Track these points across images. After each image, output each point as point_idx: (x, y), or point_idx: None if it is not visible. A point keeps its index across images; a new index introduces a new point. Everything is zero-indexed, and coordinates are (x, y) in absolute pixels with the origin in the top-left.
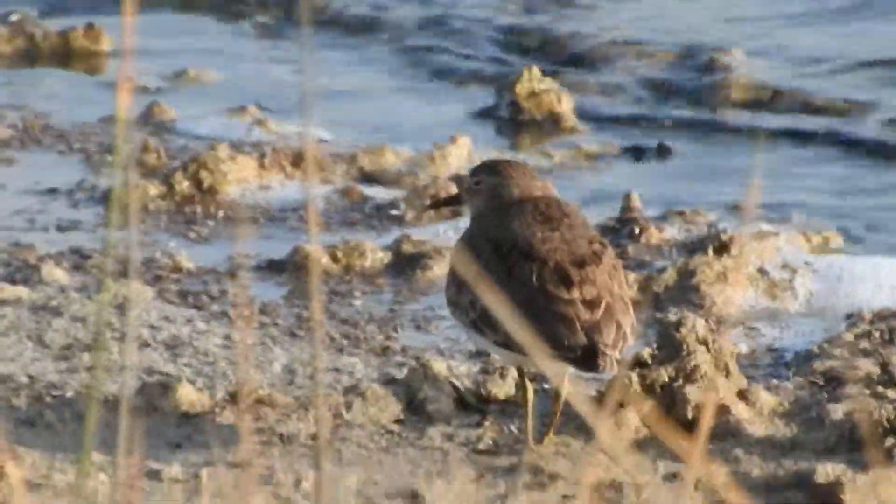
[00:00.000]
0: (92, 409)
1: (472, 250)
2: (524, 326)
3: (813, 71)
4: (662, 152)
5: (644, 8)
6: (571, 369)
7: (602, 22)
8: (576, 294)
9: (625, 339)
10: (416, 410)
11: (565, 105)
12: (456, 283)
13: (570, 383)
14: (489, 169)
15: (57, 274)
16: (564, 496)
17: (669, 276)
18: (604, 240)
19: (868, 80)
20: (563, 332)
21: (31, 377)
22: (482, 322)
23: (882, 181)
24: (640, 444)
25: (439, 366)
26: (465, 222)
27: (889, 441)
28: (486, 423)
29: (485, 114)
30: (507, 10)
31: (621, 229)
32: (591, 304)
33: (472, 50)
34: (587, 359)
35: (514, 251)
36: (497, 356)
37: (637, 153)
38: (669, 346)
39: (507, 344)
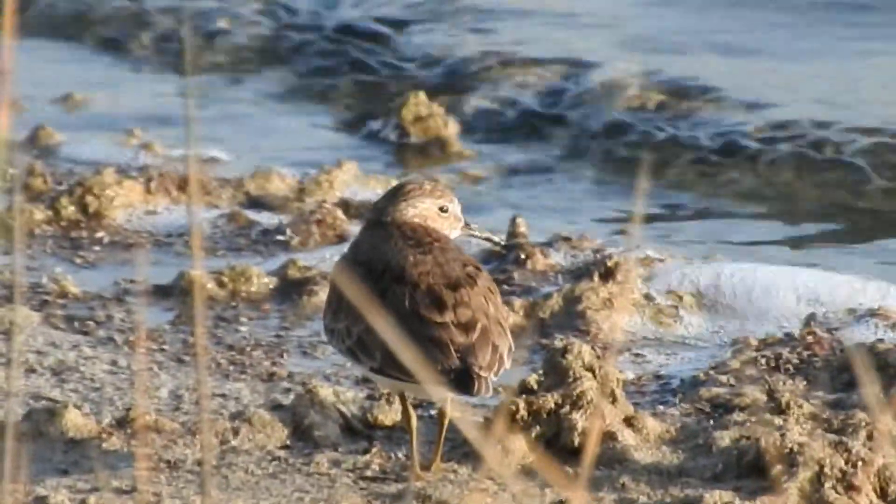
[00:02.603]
0: None
1: (345, 275)
2: (399, 352)
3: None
4: (549, 172)
5: (526, 26)
6: (449, 393)
7: (485, 39)
8: (449, 317)
9: (501, 362)
10: (302, 436)
11: (451, 129)
12: (332, 309)
13: (454, 408)
14: (385, 192)
15: None
16: None
17: (555, 303)
18: (478, 263)
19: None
20: (436, 356)
21: None
22: (358, 348)
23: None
24: (528, 471)
25: (326, 392)
26: None
27: (776, 468)
28: (373, 450)
29: (371, 138)
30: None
31: (507, 255)
32: (466, 327)
33: (360, 71)
34: (461, 382)
35: (387, 275)
36: (377, 382)
37: (524, 173)
38: (555, 373)
39: (383, 370)
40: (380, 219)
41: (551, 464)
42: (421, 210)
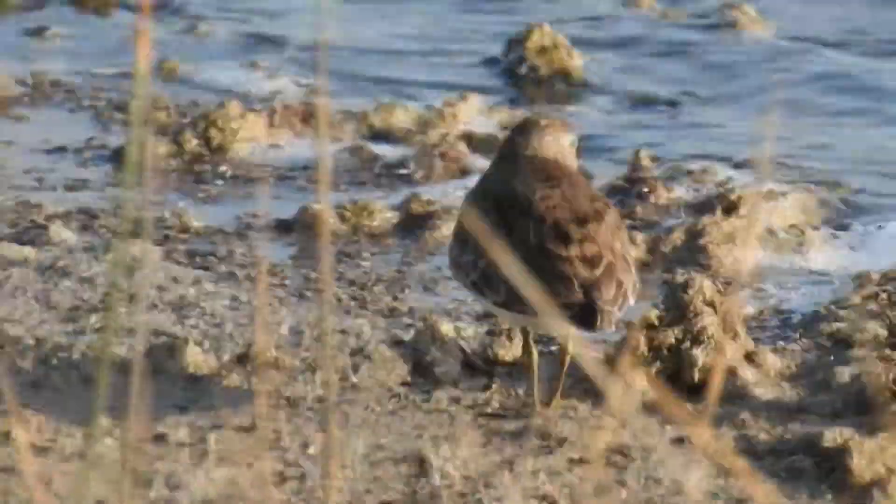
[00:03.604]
0: (102, 372)
1: (473, 208)
2: (523, 286)
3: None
4: (674, 106)
5: None
6: (572, 328)
7: None
8: (574, 251)
9: (626, 298)
10: (423, 373)
11: (576, 61)
12: (458, 243)
13: (576, 345)
14: (515, 125)
15: (65, 234)
16: (572, 460)
17: (677, 237)
18: (607, 199)
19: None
20: (560, 290)
21: (37, 339)
22: (482, 282)
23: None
24: (648, 408)
25: (446, 327)
26: (473, 181)
27: None
28: (493, 386)
29: (496, 70)
30: None
31: (630, 188)
32: (591, 262)
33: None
34: (584, 317)
35: (514, 208)
36: (500, 317)
37: (647, 104)
38: (676, 308)
39: (507, 304)
40: (514, 151)
41: (672, 400)
42: (560, 144)
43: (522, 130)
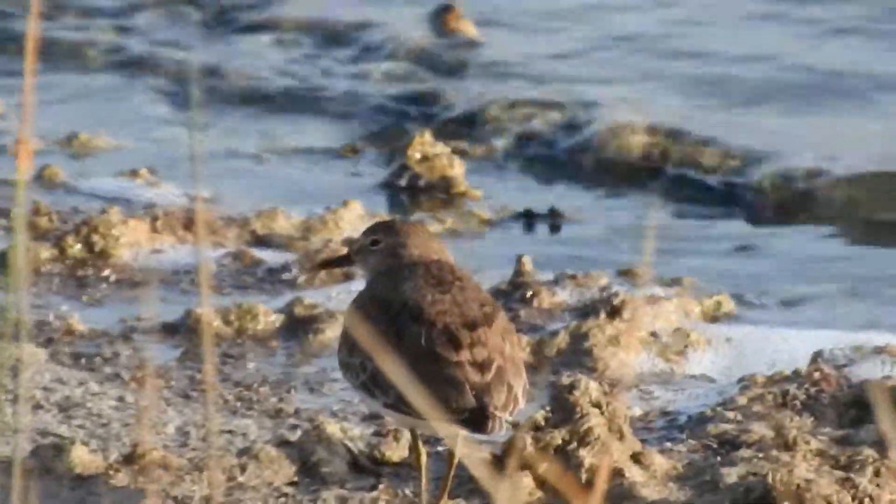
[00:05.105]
0: None
1: (363, 312)
2: (414, 388)
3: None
4: (555, 217)
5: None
6: (463, 431)
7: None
8: (465, 356)
9: (516, 402)
10: (309, 473)
11: (457, 169)
12: (347, 345)
13: (464, 446)
14: (387, 229)
15: None
16: None
17: (562, 340)
18: (496, 303)
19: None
20: (451, 394)
21: None
22: (372, 384)
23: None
24: None
25: (333, 428)
26: (357, 285)
27: None
28: (381, 486)
29: (377, 178)
30: (394, 75)
31: (514, 293)
32: (482, 366)
33: (360, 115)
34: (476, 421)
35: (404, 313)
36: (389, 418)
37: (529, 218)
38: (563, 409)
39: (397, 406)
40: (401, 256)
41: (559, 500)
42: (440, 246)
43: (400, 234)
